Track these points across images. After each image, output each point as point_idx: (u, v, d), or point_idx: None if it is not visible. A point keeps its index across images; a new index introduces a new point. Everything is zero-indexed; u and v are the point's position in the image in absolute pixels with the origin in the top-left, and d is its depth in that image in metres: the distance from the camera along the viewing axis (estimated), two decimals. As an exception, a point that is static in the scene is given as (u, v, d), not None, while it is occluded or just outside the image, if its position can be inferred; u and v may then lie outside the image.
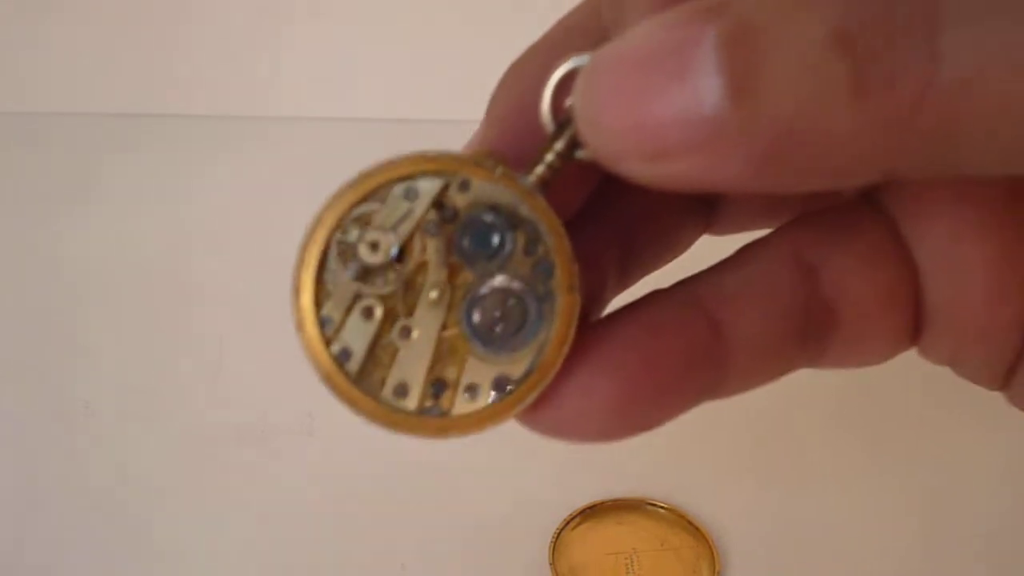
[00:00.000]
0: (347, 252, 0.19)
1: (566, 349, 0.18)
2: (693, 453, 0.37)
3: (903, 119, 0.13)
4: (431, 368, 0.19)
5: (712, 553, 0.33)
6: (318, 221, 0.19)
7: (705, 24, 0.14)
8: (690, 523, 0.34)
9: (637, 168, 0.15)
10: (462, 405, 0.19)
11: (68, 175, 0.54)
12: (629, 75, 0.15)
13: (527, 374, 0.18)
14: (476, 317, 0.19)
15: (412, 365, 0.19)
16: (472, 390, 0.19)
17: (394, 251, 0.19)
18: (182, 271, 0.48)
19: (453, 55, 0.54)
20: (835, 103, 0.13)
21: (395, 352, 0.19)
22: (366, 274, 0.19)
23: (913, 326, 0.21)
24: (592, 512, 0.35)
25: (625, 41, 0.15)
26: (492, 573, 0.34)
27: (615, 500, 0.35)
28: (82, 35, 0.57)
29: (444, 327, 0.19)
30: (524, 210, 0.19)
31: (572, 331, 0.18)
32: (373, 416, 0.19)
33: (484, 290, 0.19)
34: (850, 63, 0.13)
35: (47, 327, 0.45)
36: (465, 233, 0.19)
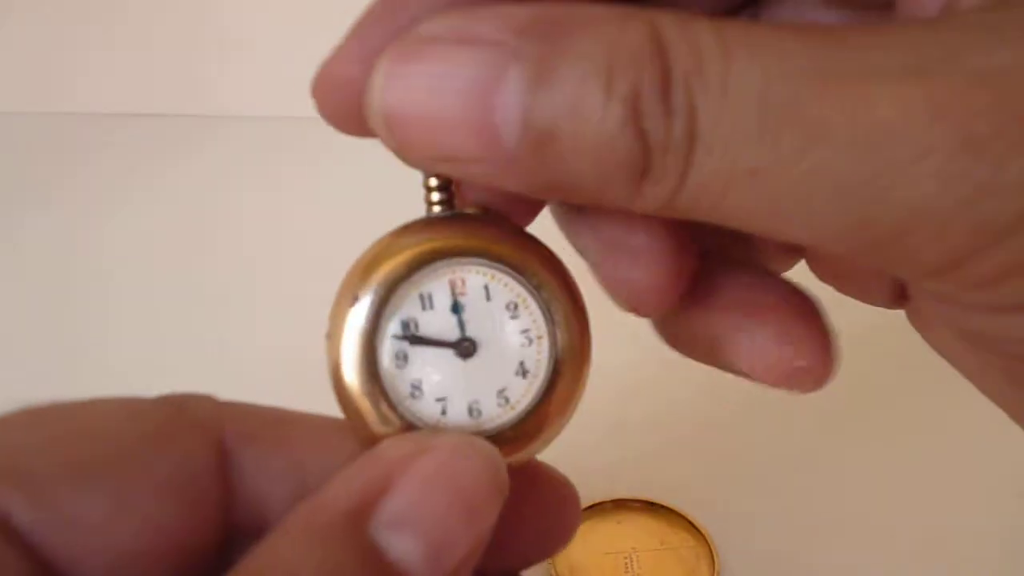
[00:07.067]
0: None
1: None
2: (693, 453, 0.37)
3: (667, 200, 0.17)
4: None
5: (712, 553, 0.33)
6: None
7: (509, 64, 0.16)
8: (690, 523, 0.34)
9: (423, 165, 0.18)
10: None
11: (68, 175, 0.54)
12: (435, 101, 0.17)
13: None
14: None
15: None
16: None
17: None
18: (181, 270, 0.48)
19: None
20: (622, 178, 0.17)
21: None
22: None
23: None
24: (592, 512, 0.35)
25: (430, 55, 0.17)
26: (492, 573, 0.34)
27: (615, 500, 0.35)
28: (82, 35, 0.57)
29: None
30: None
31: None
32: None
33: None
34: (639, 155, 0.16)
35: (46, 327, 0.45)
36: None
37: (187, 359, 0.42)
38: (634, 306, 0.21)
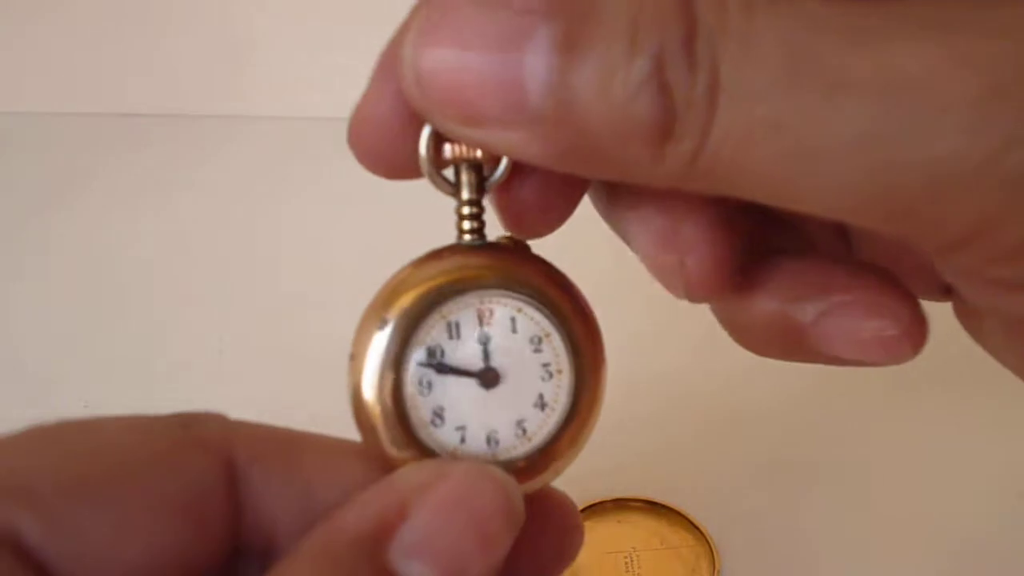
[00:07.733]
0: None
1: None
2: (693, 453, 0.37)
3: (688, 162, 0.17)
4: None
5: (712, 553, 0.33)
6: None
7: (539, 23, 0.16)
8: (690, 523, 0.34)
9: (452, 128, 0.18)
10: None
11: (68, 175, 0.54)
12: (464, 58, 0.17)
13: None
14: None
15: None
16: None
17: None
18: (181, 270, 0.48)
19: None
20: (644, 140, 0.16)
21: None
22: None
23: None
24: (592, 511, 0.35)
25: (460, 18, 0.17)
26: (493, 573, 0.34)
27: (615, 500, 0.35)
28: (82, 35, 0.57)
29: None
30: None
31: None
32: None
33: None
34: (663, 113, 0.16)
35: (47, 327, 0.45)
36: None
37: (183, 357, 0.42)
38: (684, 293, 0.21)
